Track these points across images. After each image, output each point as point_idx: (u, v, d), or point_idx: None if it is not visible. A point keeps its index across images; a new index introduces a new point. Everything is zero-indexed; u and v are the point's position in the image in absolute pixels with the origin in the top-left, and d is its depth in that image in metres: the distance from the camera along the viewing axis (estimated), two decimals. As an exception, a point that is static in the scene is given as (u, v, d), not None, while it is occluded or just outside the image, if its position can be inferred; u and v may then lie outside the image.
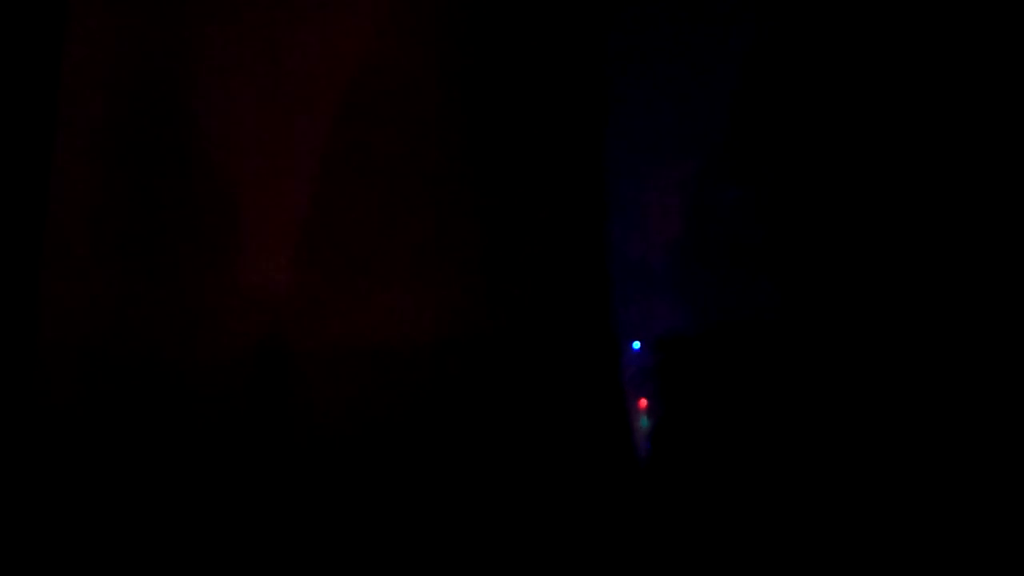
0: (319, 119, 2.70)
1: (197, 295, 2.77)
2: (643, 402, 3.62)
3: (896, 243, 3.69)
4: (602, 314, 3.08)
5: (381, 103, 2.70)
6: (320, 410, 2.73)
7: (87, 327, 2.68)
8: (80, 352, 2.65)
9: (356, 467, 2.73)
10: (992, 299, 3.41)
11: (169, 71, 2.73)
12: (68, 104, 2.83)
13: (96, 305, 2.66)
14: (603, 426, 3.05)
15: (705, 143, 4.00)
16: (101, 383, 2.64)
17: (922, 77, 3.57)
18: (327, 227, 2.73)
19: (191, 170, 2.70)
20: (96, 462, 2.69)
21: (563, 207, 3.01)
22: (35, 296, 2.67)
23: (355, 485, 2.73)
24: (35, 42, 2.81)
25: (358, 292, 2.75)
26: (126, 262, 2.70)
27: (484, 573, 2.77)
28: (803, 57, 3.77)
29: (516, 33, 2.89)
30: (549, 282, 3.00)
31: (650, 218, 3.89)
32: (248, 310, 2.67)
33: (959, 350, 3.41)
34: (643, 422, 3.57)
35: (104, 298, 2.68)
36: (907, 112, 3.63)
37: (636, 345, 3.72)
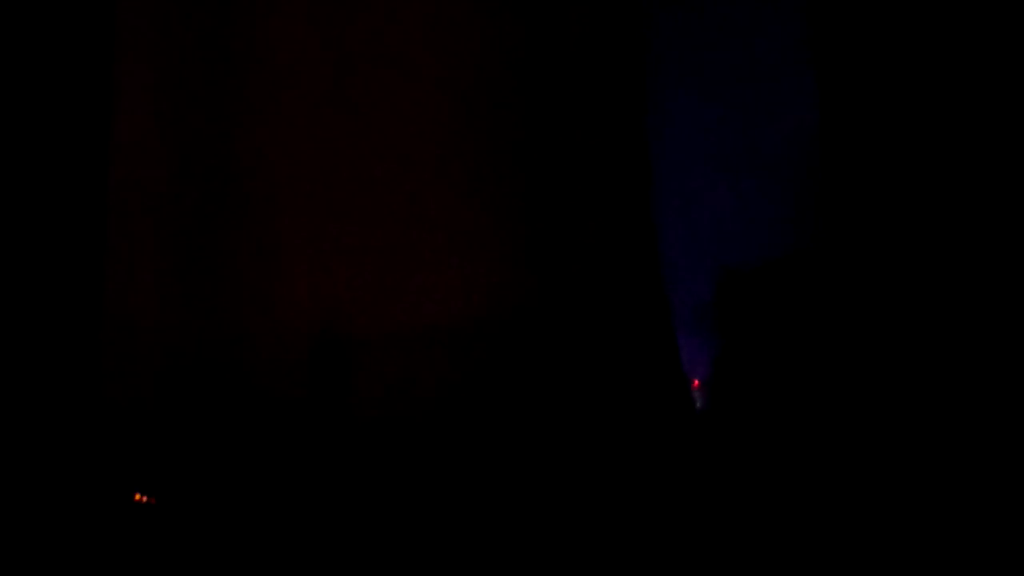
0: (363, 124, 2.79)
1: (258, 291, 2.91)
2: (696, 383, 3.71)
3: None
4: (653, 284, 3.16)
5: (422, 104, 2.78)
6: (378, 389, 2.88)
7: (153, 320, 2.84)
8: (146, 341, 2.82)
9: (411, 441, 2.88)
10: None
11: (226, 80, 2.84)
12: (126, 109, 2.96)
13: (162, 299, 2.82)
14: (659, 392, 3.15)
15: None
16: (167, 371, 2.81)
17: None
18: (377, 218, 2.84)
19: (250, 174, 2.81)
20: (164, 446, 2.88)
21: (609, 185, 3.07)
22: (101, 294, 2.83)
23: (411, 457, 2.89)
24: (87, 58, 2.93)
25: (410, 277, 2.86)
26: (191, 260, 2.84)
27: (544, 532, 2.92)
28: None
29: (559, 30, 2.95)
30: (598, 256, 3.08)
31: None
32: (305, 301, 2.79)
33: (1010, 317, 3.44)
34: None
35: (170, 293, 2.84)
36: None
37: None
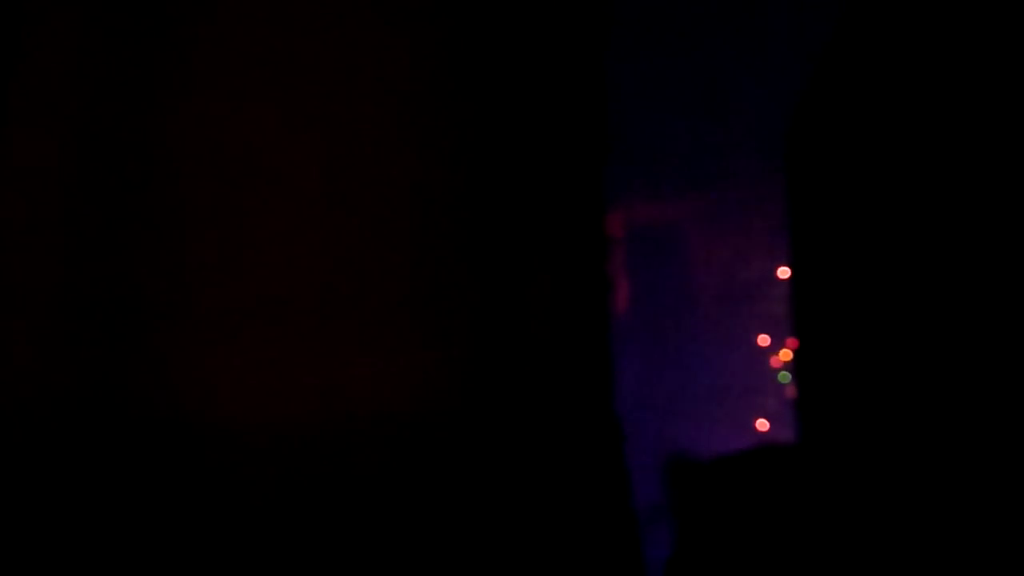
0: (281, 193, 2.65)
1: (152, 362, 2.64)
2: None
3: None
4: (603, 397, 2.96)
5: (350, 172, 2.65)
6: (271, 485, 2.55)
7: (36, 385, 2.56)
8: (28, 408, 2.52)
9: (308, 547, 2.53)
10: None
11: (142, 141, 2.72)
12: (21, 149, 2.80)
13: (49, 364, 2.56)
14: (604, 523, 2.87)
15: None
16: (46, 437, 2.50)
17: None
18: (295, 291, 2.62)
19: (148, 231, 2.65)
20: (30, 518, 2.51)
21: (561, 277, 2.91)
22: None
23: (304, 566, 2.53)
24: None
25: (327, 360, 2.60)
26: (81, 322, 2.60)
27: None
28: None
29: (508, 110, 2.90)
30: (543, 358, 2.88)
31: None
32: (204, 376, 2.52)
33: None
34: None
35: (59, 358, 2.57)
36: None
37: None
